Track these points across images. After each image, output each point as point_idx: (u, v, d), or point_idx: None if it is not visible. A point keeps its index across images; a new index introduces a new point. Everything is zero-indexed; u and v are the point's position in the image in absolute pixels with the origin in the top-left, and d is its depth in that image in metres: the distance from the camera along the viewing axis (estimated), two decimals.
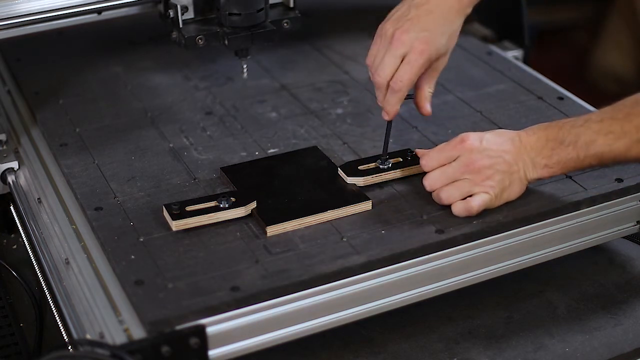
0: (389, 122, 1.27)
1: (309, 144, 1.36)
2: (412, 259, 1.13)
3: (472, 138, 1.19)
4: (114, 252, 1.13)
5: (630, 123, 1.12)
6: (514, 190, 1.19)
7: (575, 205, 1.21)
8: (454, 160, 1.19)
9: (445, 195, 1.18)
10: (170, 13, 1.39)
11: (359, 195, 1.22)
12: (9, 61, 1.62)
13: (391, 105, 1.26)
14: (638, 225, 1.27)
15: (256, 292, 1.06)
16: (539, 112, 1.42)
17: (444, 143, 1.22)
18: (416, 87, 1.28)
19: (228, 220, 1.18)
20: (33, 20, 1.41)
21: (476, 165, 1.17)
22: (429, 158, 1.21)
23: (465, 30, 1.72)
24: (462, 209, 1.17)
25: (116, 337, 1.04)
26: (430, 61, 1.25)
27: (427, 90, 1.29)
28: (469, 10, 1.28)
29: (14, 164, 1.38)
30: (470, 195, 1.17)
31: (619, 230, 1.27)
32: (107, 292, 1.11)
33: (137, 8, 1.49)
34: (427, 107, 1.29)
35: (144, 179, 1.28)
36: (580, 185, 1.23)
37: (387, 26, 1.25)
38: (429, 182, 1.20)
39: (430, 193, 1.21)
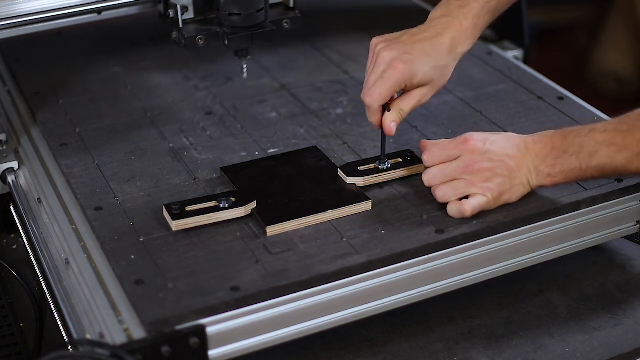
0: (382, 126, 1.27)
1: (309, 144, 1.36)
2: (412, 259, 1.13)
3: (476, 139, 1.18)
4: (114, 252, 1.13)
5: (633, 136, 1.12)
6: (515, 195, 1.18)
7: (575, 205, 1.21)
8: (454, 159, 1.19)
9: (441, 193, 1.18)
10: (170, 13, 1.39)
11: (358, 195, 1.22)
12: (9, 61, 1.62)
13: (370, 119, 1.25)
14: (638, 225, 1.27)
15: (256, 292, 1.06)
16: (539, 112, 1.42)
17: (448, 140, 1.21)
18: (390, 104, 1.24)
19: (228, 220, 1.18)
20: (33, 20, 1.41)
21: (475, 167, 1.16)
22: (431, 154, 1.21)
23: None
24: (456, 211, 1.16)
25: (116, 337, 1.04)
26: (406, 82, 1.22)
27: (397, 110, 1.24)
28: (461, 52, 1.27)
29: (14, 164, 1.38)
30: (466, 197, 1.17)
31: (619, 230, 1.27)
32: (107, 292, 1.11)
33: (137, 8, 1.49)
34: (390, 126, 1.24)
35: (144, 179, 1.28)
36: (580, 185, 1.23)
37: (379, 47, 1.24)
38: (427, 178, 1.20)
39: (429, 191, 1.20)
